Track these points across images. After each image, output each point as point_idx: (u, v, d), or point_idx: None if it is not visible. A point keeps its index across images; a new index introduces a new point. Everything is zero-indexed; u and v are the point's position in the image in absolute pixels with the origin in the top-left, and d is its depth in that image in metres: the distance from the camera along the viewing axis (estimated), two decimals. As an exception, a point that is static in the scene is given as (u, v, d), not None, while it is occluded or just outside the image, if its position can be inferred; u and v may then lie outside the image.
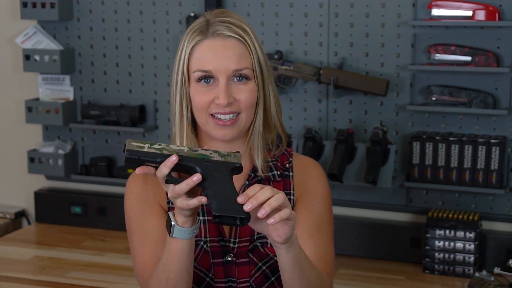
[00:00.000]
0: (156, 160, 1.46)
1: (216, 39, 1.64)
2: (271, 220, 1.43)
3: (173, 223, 1.52)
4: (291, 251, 1.52)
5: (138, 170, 1.47)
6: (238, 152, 1.54)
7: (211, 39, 1.64)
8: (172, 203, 1.69)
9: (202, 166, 1.48)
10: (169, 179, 1.47)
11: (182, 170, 1.48)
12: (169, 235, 1.54)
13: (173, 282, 1.58)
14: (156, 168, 1.48)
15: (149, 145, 1.47)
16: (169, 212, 1.54)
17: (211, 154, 1.50)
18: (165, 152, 1.47)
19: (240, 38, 1.65)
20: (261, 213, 1.42)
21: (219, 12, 1.69)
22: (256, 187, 1.45)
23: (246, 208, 1.42)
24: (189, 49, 1.65)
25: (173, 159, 1.45)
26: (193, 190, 1.49)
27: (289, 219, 1.46)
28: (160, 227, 1.68)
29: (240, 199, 1.43)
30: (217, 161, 1.50)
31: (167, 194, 1.69)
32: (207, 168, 1.48)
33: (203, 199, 1.45)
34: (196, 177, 1.45)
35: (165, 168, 1.46)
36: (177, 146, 1.49)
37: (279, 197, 1.44)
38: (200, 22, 1.67)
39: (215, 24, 1.65)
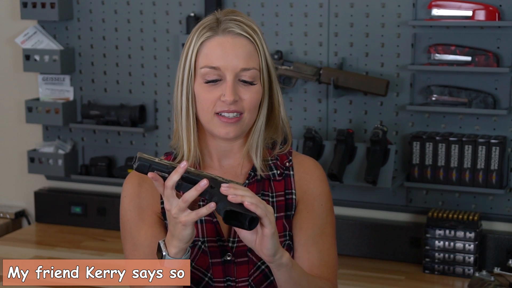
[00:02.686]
0: (166, 170, 1.50)
1: (226, 36, 1.64)
2: (231, 196, 1.47)
3: (164, 253, 1.54)
4: (281, 270, 1.55)
5: (150, 174, 1.49)
6: (239, 183, 1.57)
7: (221, 36, 1.64)
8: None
9: (209, 179, 1.51)
10: (180, 183, 1.49)
11: (188, 183, 1.51)
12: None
13: None
14: (165, 179, 1.50)
15: (159, 159, 1.52)
16: (160, 241, 1.56)
17: (215, 177, 1.54)
18: (173, 166, 1.51)
19: (250, 38, 1.65)
20: (227, 190, 1.46)
21: (229, 11, 1.69)
22: (247, 189, 1.50)
23: (223, 190, 1.47)
24: (198, 45, 1.64)
25: (184, 164, 1.48)
26: (193, 206, 1.51)
27: (264, 225, 1.48)
28: (150, 239, 1.69)
29: (224, 186, 1.47)
30: (222, 178, 1.54)
31: (161, 197, 1.70)
32: (213, 182, 1.51)
33: (211, 205, 1.47)
34: (204, 182, 1.47)
35: (175, 175, 1.48)
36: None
37: (257, 199, 1.47)
38: (210, 19, 1.67)
39: (226, 21, 1.65)
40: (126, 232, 1.72)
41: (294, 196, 1.73)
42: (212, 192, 1.49)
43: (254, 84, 1.65)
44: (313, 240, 1.70)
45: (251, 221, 1.47)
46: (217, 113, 1.64)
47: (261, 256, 1.53)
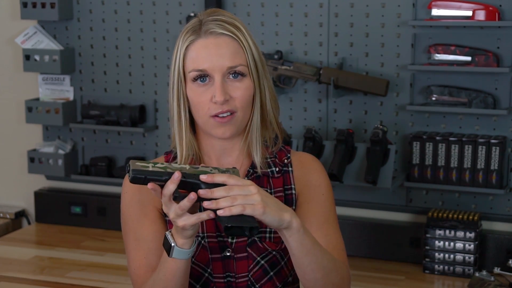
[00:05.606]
0: (162, 178, 1.48)
1: (209, 38, 1.65)
2: (220, 211, 1.45)
3: (172, 244, 1.54)
4: (293, 236, 1.54)
5: (150, 185, 1.48)
6: (235, 168, 1.56)
7: (204, 38, 1.65)
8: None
9: (203, 185, 1.50)
10: (177, 196, 1.49)
11: (186, 187, 1.50)
12: (168, 256, 1.56)
13: None
14: (162, 186, 1.49)
15: (153, 165, 1.49)
16: (166, 232, 1.56)
17: (211, 170, 1.52)
18: (169, 170, 1.49)
19: (233, 35, 1.66)
20: (219, 212, 1.45)
21: (211, 11, 1.70)
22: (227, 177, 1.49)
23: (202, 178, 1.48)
24: (183, 50, 1.67)
25: (177, 175, 1.47)
26: (193, 208, 1.51)
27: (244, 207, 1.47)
28: (154, 233, 1.70)
29: (203, 177, 1.48)
30: (219, 170, 1.52)
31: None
32: (211, 184, 1.50)
33: (211, 214, 1.47)
34: (192, 197, 1.47)
35: (171, 185, 1.47)
36: (179, 164, 1.51)
37: (233, 194, 1.46)
38: (193, 22, 1.69)
39: (208, 23, 1.66)
40: (128, 228, 1.72)
41: (293, 191, 1.74)
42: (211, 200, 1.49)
43: (245, 76, 1.66)
44: (316, 226, 1.71)
45: (251, 229, 1.47)
46: (212, 116, 1.65)
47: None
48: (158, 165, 1.49)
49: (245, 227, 1.46)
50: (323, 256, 1.60)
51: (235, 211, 1.45)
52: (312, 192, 1.74)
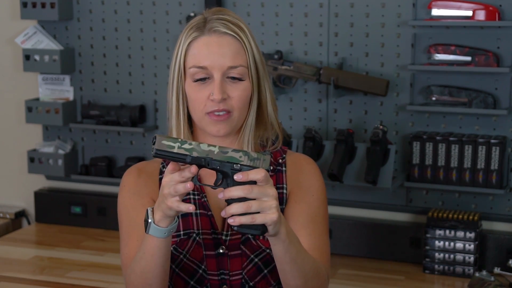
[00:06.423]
0: (185, 161, 1.47)
1: (212, 36, 1.66)
2: (230, 220, 1.46)
3: (149, 220, 1.54)
4: (278, 244, 1.55)
5: (170, 167, 1.48)
6: (266, 153, 1.56)
7: (207, 35, 1.67)
8: None
9: (230, 171, 1.48)
10: (194, 184, 1.49)
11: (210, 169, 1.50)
12: (145, 231, 1.56)
13: (147, 276, 1.61)
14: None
15: (180, 144, 1.46)
16: (148, 207, 1.56)
17: (240, 157, 1.49)
18: (194, 154, 1.47)
19: (236, 36, 1.67)
20: (229, 221, 1.46)
21: (217, 10, 1.72)
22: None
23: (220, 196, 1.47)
24: (185, 45, 1.68)
25: (193, 170, 1.46)
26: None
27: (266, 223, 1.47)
28: None
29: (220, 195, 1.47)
30: (245, 166, 1.49)
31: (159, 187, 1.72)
32: (234, 174, 1.48)
33: (190, 207, 1.47)
34: (191, 208, 1.47)
35: (189, 174, 1.47)
36: (208, 145, 1.48)
37: (245, 204, 1.45)
38: (198, 19, 1.70)
39: (212, 21, 1.68)
40: (123, 217, 1.74)
41: (284, 191, 1.75)
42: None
43: (243, 80, 1.67)
44: (302, 225, 1.71)
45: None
46: (208, 113, 1.66)
47: None
48: (186, 145, 1.46)
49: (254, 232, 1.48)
50: (307, 263, 1.61)
51: (245, 220, 1.45)
52: (302, 193, 1.74)
